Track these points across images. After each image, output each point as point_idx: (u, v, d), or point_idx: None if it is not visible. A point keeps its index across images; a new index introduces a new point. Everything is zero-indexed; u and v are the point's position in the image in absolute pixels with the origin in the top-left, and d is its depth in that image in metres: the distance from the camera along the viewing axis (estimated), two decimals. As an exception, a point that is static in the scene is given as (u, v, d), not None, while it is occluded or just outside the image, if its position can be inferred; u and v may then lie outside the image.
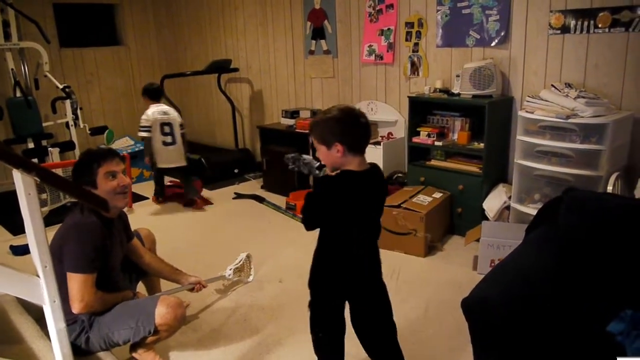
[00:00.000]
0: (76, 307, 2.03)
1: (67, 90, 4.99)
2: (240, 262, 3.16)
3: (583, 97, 3.03)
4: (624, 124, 3.09)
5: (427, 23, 4.10)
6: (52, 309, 1.65)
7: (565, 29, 3.36)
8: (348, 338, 2.47)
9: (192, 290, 2.66)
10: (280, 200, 4.74)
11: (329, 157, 1.83)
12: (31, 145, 4.89)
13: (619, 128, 3.00)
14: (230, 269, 3.06)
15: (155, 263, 2.58)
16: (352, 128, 1.79)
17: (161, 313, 2.13)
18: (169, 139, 4.59)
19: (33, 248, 1.59)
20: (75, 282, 2.02)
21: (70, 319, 2.07)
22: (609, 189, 2.91)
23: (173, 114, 4.65)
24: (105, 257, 2.16)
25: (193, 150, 5.92)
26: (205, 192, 5.16)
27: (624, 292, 1.85)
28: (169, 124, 4.58)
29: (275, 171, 5.03)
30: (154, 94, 4.70)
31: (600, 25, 3.21)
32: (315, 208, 1.89)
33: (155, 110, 4.58)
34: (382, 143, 4.25)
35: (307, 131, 4.70)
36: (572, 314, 1.81)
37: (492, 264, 3.09)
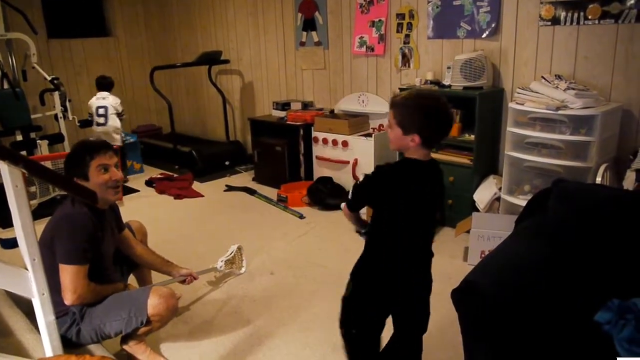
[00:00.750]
0: (69, 299, 2.01)
1: (55, 81, 4.94)
2: (231, 254, 3.16)
3: (573, 89, 3.05)
4: (613, 116, 3.11)
5: (418, 14, 4.09)
6: (41, 302, 1.64)
7: (555, 21, 3.37)
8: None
9: (183, 282, 2.65)
10: (271, 192, 4.73)
11: (401, 140, 1.72)
12: (19, 137, 4.83)
13: (608, 119, 3.02)
14: (221, 261, 3.06)
15: (147, 255, 2.57)
16: (437, 126, 1.70)
17: (153, 303, 2.12)
18: (101, 120, 5.16)
19: (21, 241, 1.58)
20: (68, 273, 2.00)
21: (61, 310, 2.06)
22: (598, 180, 2.93)
23: (109, 99, 5.19)
24: (97, 249, 2.15)
25: (183, 142, 5.91)
26: (196, 185, 5.15)
27: (611, 282, 1.87)
28: (103, 107, 5.14)
29: (267, 163, 5.02)
30: (99, 85, 5.30)
31: (590, 17, 3.22)
32: (365, 189, 1.79)
33: (94, 98, 5.23)
34: (373, 135, 4.25)
35: (298, 123, 4.70)
36: (561, 304, 1.83)
37: (483, 255, 3.11)
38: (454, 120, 1.79)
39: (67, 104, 5.04)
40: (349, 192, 1.87)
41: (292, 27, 5.16)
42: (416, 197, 1.75)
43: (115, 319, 2.12)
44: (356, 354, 2.02)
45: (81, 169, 2.11)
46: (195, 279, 2.69)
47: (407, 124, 1.68)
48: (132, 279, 2.65)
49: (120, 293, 2.22)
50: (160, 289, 2.21)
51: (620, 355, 1.56)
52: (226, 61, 5.91)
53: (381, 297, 1.86)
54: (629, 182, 2.84)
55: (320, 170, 4.67)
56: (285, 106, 5.07)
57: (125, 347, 2.26)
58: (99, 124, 5.16)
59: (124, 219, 2.57)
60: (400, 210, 1.75)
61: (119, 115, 5.25)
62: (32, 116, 5.09)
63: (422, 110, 1.68)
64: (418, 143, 1.68)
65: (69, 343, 2.09)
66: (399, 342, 2.02)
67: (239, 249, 3.25)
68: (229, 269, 3.13)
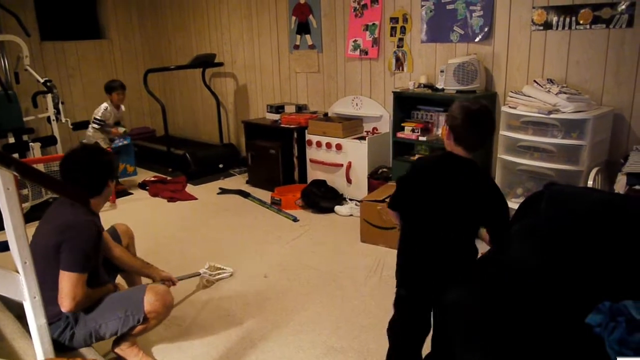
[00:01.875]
0: (67, 306, 1.98)
1: (48, 84, 4.92)
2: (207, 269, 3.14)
3: (565, 93, 3.07)
4: (604, 120, 3.14)
5: (411, 18, 4.11)
6: (33, 305, 1.63)
7: (547, 25, 3.40)
8: (332, 334, 2.49)
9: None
10: (265, 195, 4.73)
11: (447, 143, 1.92)
12: (12, 140, 4.81)
13: (599, 123, 3.04)
14: (206, 267, 3.05)
15: (126, 257, 2.53)
16: (466, 129, 1.85)
17: (150, 300, 2.14)
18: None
19: (13, 244, 1.57)
20: (69, 280, 1.97)
21: (55, 315, 2.05)
22: (590, 183, 2.96)
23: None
24: (97, 255, 2.15)
25: (177, 145, 5.90)
26: (189, 187, 5.13)
27: (602, 285, 1.88)
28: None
29: (261, 166, 5.01)
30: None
31: (581, 22, 3.25)
32: (403, 184, 1.97)
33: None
34: (367, 138, 4.27)
35: (292, 126, 4.70)
36: (553, 306, 1.84)
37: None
38: (488, 126, 1.90)
39: (60, 106, 5.01)
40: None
41: (286, 31, 5.17)
42: (440, 188, 1.87)
43: (111, 319, 2.12)
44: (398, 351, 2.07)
45: (116, 169, 2.28)
46: (174, 284, 2.66)
47: (447, 118, 1.92)
48: (119, 279, 2.63)
49: (113, 294, 2.22)
50: (156, 286, 2.23)
51: (611, 357, 1.57)
52: (220, 64, 5.91)
53: (411, 290, 1.95)
54: (620, 186, 2.86)
55: (314, 173, 4.68)
56: (279, 109, 5.07)
57: (117, 350, 2.25)
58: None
59: (116, 221, 2.56)
60: (422, 200, 1.89)
61: (96, 121, 4.91)
62: (25, 119, 5.07)
63: (456, 120, 1.86)
64: (451, 139, 1.87)
65: (61, 347, 2.08)
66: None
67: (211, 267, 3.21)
68: (214, 274, 3.10)
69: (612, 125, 3.23)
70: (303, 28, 4.98)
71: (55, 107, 4.98)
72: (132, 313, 2.13)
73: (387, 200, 2.04)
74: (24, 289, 1.61)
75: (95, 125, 4.94)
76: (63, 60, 6.29)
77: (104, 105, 4.99)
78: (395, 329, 2.04)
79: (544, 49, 3.45)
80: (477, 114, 1.85)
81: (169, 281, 2.63)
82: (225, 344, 2.48)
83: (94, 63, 6.59)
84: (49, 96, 4.94)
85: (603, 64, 3.23)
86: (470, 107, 1.86)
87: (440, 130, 3.88)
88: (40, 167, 4.24)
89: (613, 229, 1.93)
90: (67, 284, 1.97)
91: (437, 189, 1.87)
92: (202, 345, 2.48)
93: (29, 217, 4.17)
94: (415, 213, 1.92)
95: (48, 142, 5.02)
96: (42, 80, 4.92)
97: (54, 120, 5.02)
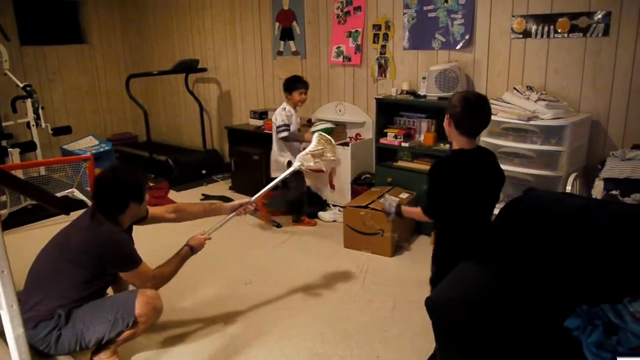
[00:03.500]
0: (151, 287, 2.29)
1: (28, 89, 4.85)
2: (316, 146, 2.76)
3: (543, 100, 3.12)
4: (582, 126, 3.20)
5: (394, 25, 4.15)
6: (10, 315, 1.60)
7: (526, 34, 3.46)
8: (317, 340, 2.49)
9: (238, 214, 2.76)
10: (248, 201, 4.71)
11: (448, 128, 2.12)
12: (-10, 145, 4.74)
13: (577, 130, 3.10)
14: (301, 157, 2.74)
15: (187, 207, 2.84)
16: (467, 112, 2.04)
17: (141, 303, 2.19)
18: None
19: (-10, 252, 1.54)
20: (140, 273, 2.26)
21: (50, 311, 2.10)
22: (568, 188, 3.01)
23: None
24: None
25: (159, 150, 5.85)
26: (172, 194, 5.09)
27: (580, 289, 1.91)
28: None
29: (244, 172, 5.00)
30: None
31: (559, 30, 3.32)
32: (434, 190, 2.13)
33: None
34: (350, 144, 4.28)
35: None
36: (531, 311, 1.87)
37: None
38: (487, 109, 2.11)
39: (40, 111, 4.94)
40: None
41: (269, 37, 5.18)
42: (468, 181, 2.08)
43: (99, 323, 2.14)
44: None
45: (142, 192, 2.35)
46: (250, 207, 2.74)
47: (447, 107, 2.10)
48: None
49: (104, 298, 2.31)
50: (147, 291, 2.27)
51: (588, 360, 1.60)
52: (203, 69, 5.89)
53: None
54: (597, 191, 2.92)
55: (297, 179, 4.68)
56: (262, 115, 5.07)
57: (96, 359, 2.23)
58: None
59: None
60: (461, 193, 2.08)
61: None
62: (4, 124, 5.00)
63: (453, 99, 2.09)
64: (451, 126, 2.08)
65: (41, 355, 2.05)
66: None
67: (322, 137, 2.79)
68: (316, 162, 2.74)
69: (590, 131, 3.29)
70: (287, 34, 4.99)
71: (35, 112, 4.91)
72: (122, 316, 2.16)
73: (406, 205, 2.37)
74: (1, 298, 1.58)
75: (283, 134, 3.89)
76: (43, 65, 6.21)
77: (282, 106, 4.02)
78: None
79: (524, 56, 3.51)
80: (476, 100, 2.07)
81: (242, 209, 2.72)
82: (209, 351, 2.46)
83: (75, 68, 6.52)
84: (29, 101, 4.88)
85: (580, 72, 3.30)
86: (467, 95, 2.09)
87: (423, 136, 3.92)
88: (19, 173, 4.17)
89: (591, 234, 1.96)
90: (141, 276, 2.27)
91: (472, 180, 2.09)
92: (185, 353, 2.46)
93: (6, 224, 4.11)
94: (455, 209, 2.10)
95: (27, 147, 4.94)
96: (21, 85, 4.85)
97: (33, 125, 4.95)
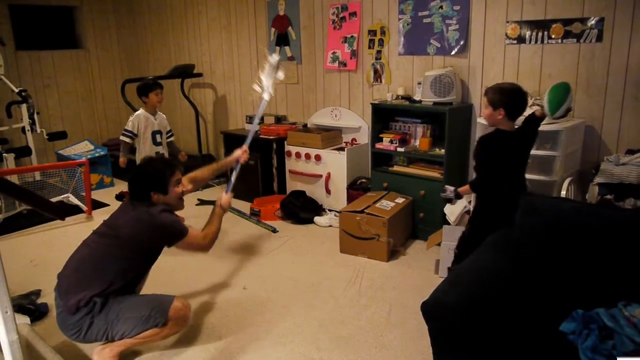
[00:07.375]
0: (205, 250, 2.55)
1: (23, 94, 4.84)
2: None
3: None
4: (576, 131, 3.22)
5: (389, 31, 4.17)
6: (4, 320, 1.60)
7: (521, 39, 3.48)
8: (306, 343, 2.48)
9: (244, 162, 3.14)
10: (244, 206, 4.71)
11: (492, 116, 2.50)
12: (-15, 150, 4.72)
13: (571, 135, 3.12)
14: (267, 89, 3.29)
15: (199, 176, 3.09)
16: (516, 102, 2.46)
17: (177, 307, 2.26)
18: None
19: (-16, 258, 1.54)
20: (190, 240, 2.42)
21: (85, 299, 2.14)
22: (563, 193, 3.02)
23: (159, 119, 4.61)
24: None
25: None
26: (168, 199, 5.08)
27: (575, 293, 1.92)
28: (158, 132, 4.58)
29: (240, 177, 4.97)
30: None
31: (553, 36, 3.34)
32: (484, 162, 2.56)
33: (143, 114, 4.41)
34: (345, 149, 4.29)
35: (271, 137, 4.70)
36: (527, 315, 1.87)
37: (453, 268, 3.15)
38: (523, 92, 2.52)
39: (35, 116, 4.93)
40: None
41: (265, 42, 5.19)
42: (504, 157, 2.53)
43: (132, 316, 2.18)
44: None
45: (164, 184, 2.40)
46: (245, 153, 3.18)
47: (495, 103, 2.46)
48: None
49: (145, 294, 2.42)
50: (184, 300, 2.37)
51: (583, 365, 1.60)
52: (199, 74, 5.90)
53: (496, 223, 2.38)
54: (592, 196, 2.94)
55: (293, 184, 4.69)
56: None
57: (96, 354, 2.24)
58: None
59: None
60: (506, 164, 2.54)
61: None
62: (-1, 129, 4.99)
63: (505, 91, 2.47)
64: (504, 115, 2.46)
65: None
66: None
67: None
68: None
69: (584, 136, 3.31)
70: (282, 40, 5.01)
71: (30, 117, 4.89)
72: (155, 314, 2.21)
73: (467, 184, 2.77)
74: (-4, 304, 1.57)
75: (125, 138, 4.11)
76: (39, 70, 6.20)
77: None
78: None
79: (518, 62, 3.54)
80: (512, 87, 2.49)
81: (242, 156, 3.16)
82: (204, 357, 2.45)
83: (71, 73, 6.51)
84: (24, 106, 4.86)
85: (574, 77, 3.32)
86: (502, 85, 2.52)
87: (418, 141, 3.93)
88: (14, 178, 4.16)
89: (586, 238, 1.98)
90: (191, 243, 2.44)
91: (517, 151, 2.56)
92: (181, 358, 2.45)
93: (1, 229, 4.09)
94: (500, 178, 2.53)
95: (22, 152, 4.93)
96: (16, 90, 4.84)
97: (28, 130, 4.93)
